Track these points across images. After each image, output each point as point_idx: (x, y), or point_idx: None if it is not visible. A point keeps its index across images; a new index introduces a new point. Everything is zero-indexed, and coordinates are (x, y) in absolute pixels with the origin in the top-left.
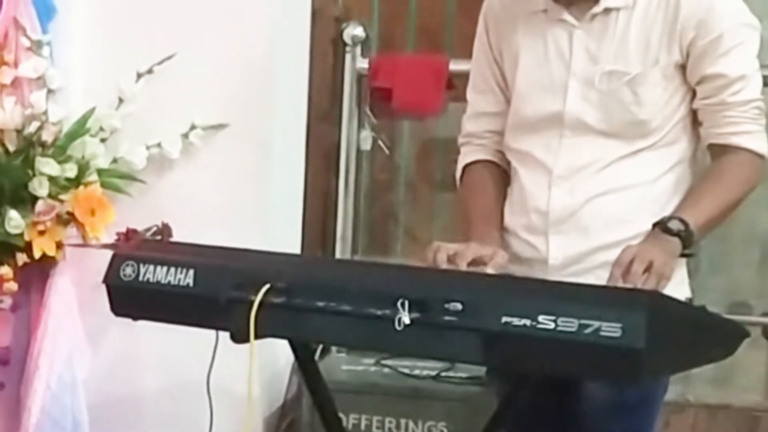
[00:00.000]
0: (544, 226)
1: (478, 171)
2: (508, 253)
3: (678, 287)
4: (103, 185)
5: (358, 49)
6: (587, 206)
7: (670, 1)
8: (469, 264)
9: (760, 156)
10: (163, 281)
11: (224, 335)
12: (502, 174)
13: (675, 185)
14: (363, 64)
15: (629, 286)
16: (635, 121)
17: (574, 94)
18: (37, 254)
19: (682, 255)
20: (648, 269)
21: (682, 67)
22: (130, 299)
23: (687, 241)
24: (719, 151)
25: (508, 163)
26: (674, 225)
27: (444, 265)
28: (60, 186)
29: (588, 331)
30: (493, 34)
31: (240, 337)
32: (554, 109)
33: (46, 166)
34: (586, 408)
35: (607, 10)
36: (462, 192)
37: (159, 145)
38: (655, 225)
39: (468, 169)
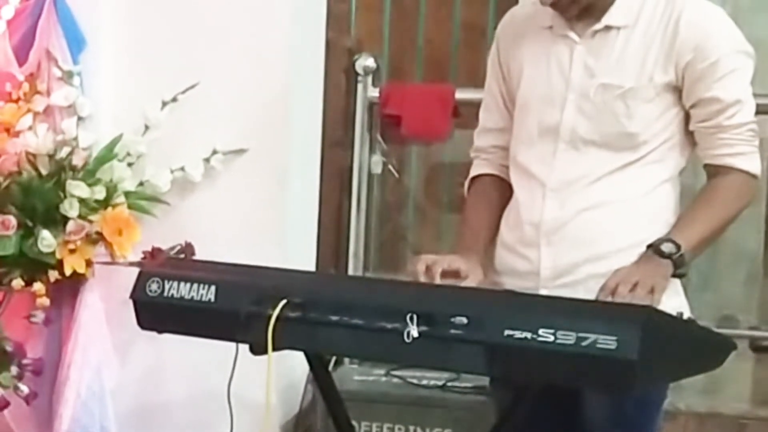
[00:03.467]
0: (536, 237)
1: (481, 185)
2: (501, 266)
3: (673, 298)
4: (130, 207)
5: (370, 79)
6: (577, 219)
7: (670, 24)
8: (444, 275)
9: (753, 176)
10: (186, 297)
11: (244, 347)
12: (504, 187)
13: (663, 202)
14: (374, 93)
15: (621, 301)
16: (625, 132)
17: (571, 106)
18: (68, 271)
19: (674, 275)
20: (633, 289)
21: (675, 89)
22: (155, 314)
23: (678, 262)
24: (714, 171)
25: None
26: (667, 248)
27: (422, 276)
28: (89, 207)
29: (585, 343)
30: (503, 52)
31: (258, 349)
32: (553, 120)
33: (77, 188)
34: (587, 416)
35: (608, 28)
36: (466, 204)
37: (182, 169)
38: (648, 247)
39: (474, 182)
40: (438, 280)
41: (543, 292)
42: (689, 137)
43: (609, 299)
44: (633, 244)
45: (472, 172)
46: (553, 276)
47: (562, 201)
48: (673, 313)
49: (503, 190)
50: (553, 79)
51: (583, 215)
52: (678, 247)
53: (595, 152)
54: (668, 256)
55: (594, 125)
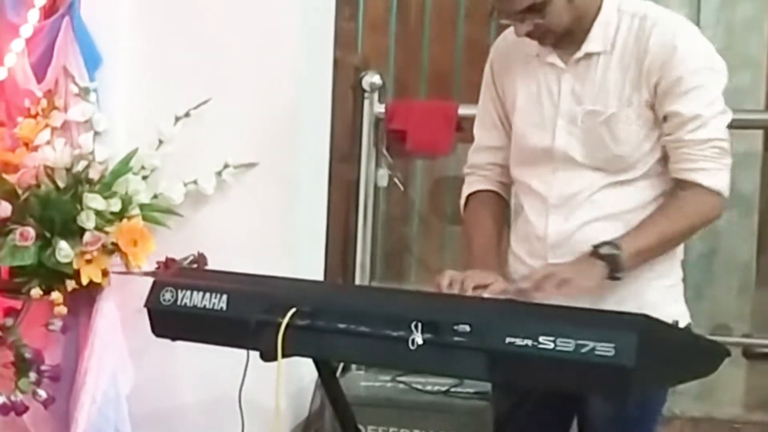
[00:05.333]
0: (543, 250)
1: (480, 201)
2: (515, 275)
3: (673, 305)
4: (144, 218)
5: (376, 95)
6: (580, 231)
7: (641, 45)
8: (474, 288)
9: (716, 192)
10: (199, 305)
11: (254, 354)
12: (501, 203)
13: None
14: (380, 108)
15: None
16: (613, 156)
17: (561, 131)
18: (84, 281)
19: (611, 278)
20: (554, 284)
21: (653, 107)
22: (169, 322)
23: (613, 265)
24: (677, 185)
25: (509, 192)
26: (605, 250)
27: (454, 290)
28: (105, 219)
29: (584, 350)
30: (497, 75)
31: (269, 356)
32: (545, 144)
33: (93, 201)
34: (589, 420)
35: (588, 55)
36: (465, 219)
37: (195, 182)
38: (594, 246)
39: (471, 198)
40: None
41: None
42: None
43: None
44: None
45: (469, 189)
46: None
47: (565, 215)
48: (673, 320)
49: (502, 205)
50: (544, 105)
51: (585, 228)
52: (618, 250)
53: (590, 173)
54: (602, 258)
55: (585, 149)
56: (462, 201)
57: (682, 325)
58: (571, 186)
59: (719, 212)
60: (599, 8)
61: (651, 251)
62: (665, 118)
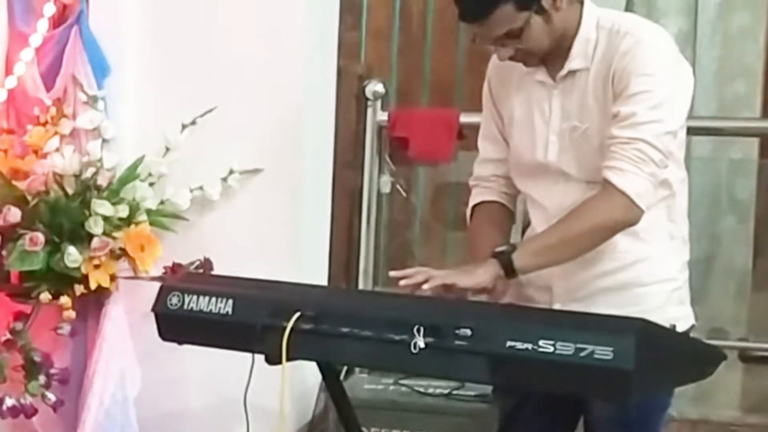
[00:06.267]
0: None
1: (484, 211)
2: (523, 278)
3: (677, 308)
4: (151, 224)
5: (379, 104)
6: None
7: (607, 59)
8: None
9: (624, 194)
10: (205, 310)
11: (259, 358)
12: (505, 212)
13: (665, 215)
14: (383, 116)
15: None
16: (600, 168)
17: (553, 147)
18: (93, 286)
19: (507, 275)
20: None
21: None
22: (175, 326)
23: (503, 262)
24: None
25: (513, 202)
26: (500, 248)
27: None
28: (113, 225)
29: (583, 354)
30: (494, 92)
31: (273, 359)
32: (540, 160)
33: (101, 207)
34: (594, 422)
35: (571, 72)
36: (470, 229)
37: (201, 188)
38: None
39: (476, 209)
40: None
41: (556, 306)
42: (674, 156)
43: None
44: (636, 259)
45: (474, 200)
46: (565, 292)
47: None
48: (678, 321)
49: (506, 216)
50: (536, 122)
51: None
52: (513, 248)
53: (584, 185)
54: (495, 256)
55: (576, 164)
56: (468, 212)
57: (685, 326)
58: (569, 198)
59: (630, 218)
60: (578, 25)
61: (551, 249)
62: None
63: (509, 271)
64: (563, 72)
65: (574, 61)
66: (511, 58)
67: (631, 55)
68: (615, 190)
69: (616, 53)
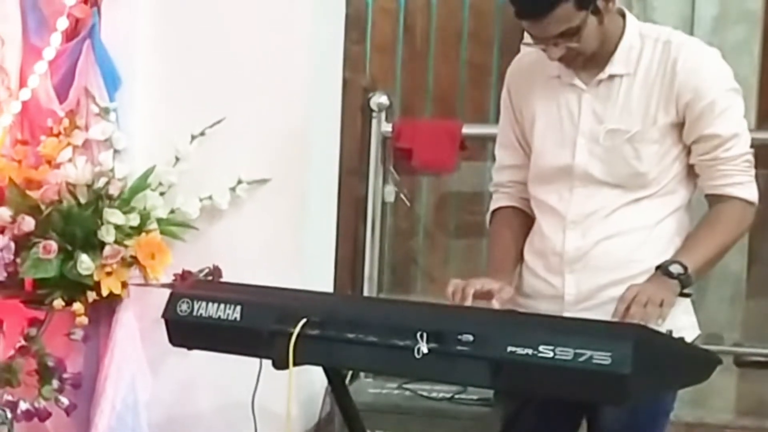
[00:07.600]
0: (560, 266)
1: (502, 216)
2: (529, 289)
3: (683, 317)
4: (162, 232)
5: (383, 115)
6: (597, 248)
7: (667, 69)
8: (477, 295)
9: (751, 203)
10: (214, 316)
11: (267, 362)
12: (523, 218)
13: (675, 229)
14: (387, 127)
15: (632, 321)
16: (635, 173)
17: (582, 149)
18: (104, 292)
19: (681, 294)
20: (647, 305)
21: (677, 127)
22: (185, 331)
23: (685, 282)
24: (714, 200)
25: (531, 208)
26: (675, 269)
27: (451, 298)
28: (125, 233)
29: (582, 359)
30: (515, 97)
31: (281, 364)
32: (565, 162)
33: (113, 216)
34: (599, 426)
35: (611, 77)
36: (490, 233)
37: (210, 197)
38: (657, 268)
39: (495, 214)
40: (469, 301)
41: (567, 314)
42: (692, 169)
43: (622, 315)
44: (648, 269)
45: (494, 205)
46: (576, 300)
47: (582, 232)
48: (686, 331)
49: (523, 220)
50: (564, 125)
51: (602, 245)
52: (685, 268)
53: (608, 190)
54: (676, 277)
55: (606, 167)
56: (488, 217)
57: (693, 336)
58: (589, 204)
59: (751, 220)
60: (623, 33)
61: (709, 264)
62: (698, 140)
63: (683, 289)
64: (603, 76)
65: (616, 66)
66: (560, 60)
67: (702, 72)
68: (743, 203)
69: (678, 66)
